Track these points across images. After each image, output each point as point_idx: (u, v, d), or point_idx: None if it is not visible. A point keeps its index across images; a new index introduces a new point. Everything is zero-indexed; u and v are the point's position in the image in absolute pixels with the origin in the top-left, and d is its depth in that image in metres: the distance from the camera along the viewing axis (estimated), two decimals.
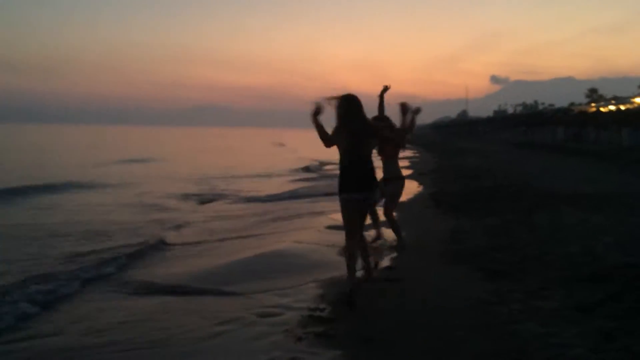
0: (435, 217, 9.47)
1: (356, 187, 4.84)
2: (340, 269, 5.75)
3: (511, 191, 11.74)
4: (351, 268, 4.83)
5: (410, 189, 14.26)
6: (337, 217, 8.13)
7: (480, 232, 7.63)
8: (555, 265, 5.50)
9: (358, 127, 4.86)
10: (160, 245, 7.90)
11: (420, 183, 15.68)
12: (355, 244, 4.98)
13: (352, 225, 4.93)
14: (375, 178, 5.03)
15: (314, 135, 4.95)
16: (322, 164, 27.29)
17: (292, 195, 14.88)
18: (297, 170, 24.91)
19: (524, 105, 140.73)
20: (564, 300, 4.42)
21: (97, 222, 10.09)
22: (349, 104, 4.87)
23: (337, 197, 5.00)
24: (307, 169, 25.82)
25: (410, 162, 26.21)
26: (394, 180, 6.73)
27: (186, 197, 14.55)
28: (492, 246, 6.61)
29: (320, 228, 8.89)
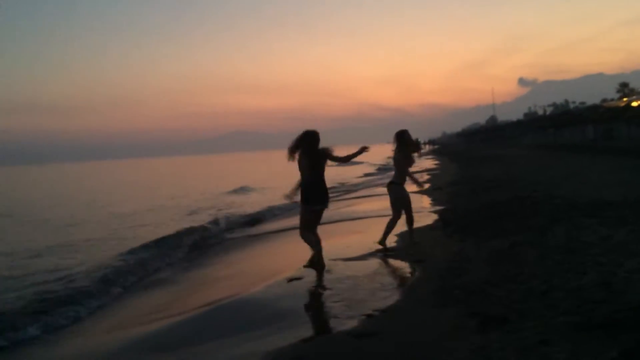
0: (438, 241, 8.48)
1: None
2: (302, 327, 4.84)
3: (528, 204, 10.63)
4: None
5: (422, 206, 13.27)
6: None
7: (484, 259, 6.62)
8: (563, 305, 4.46)
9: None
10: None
11: (434, 199, 14.65)
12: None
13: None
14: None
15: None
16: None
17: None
18: None
19: (555, 105, 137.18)
20: None
21: None
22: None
23: None
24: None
25: (429, 174, 25.09)
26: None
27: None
28: (493, 279, 5.60)
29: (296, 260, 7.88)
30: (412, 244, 8.15)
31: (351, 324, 4.86)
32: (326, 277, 6.73)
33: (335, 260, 7.72)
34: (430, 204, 13.74)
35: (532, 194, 11.90)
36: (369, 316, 5.07)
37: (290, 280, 6.67)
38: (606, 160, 21.62)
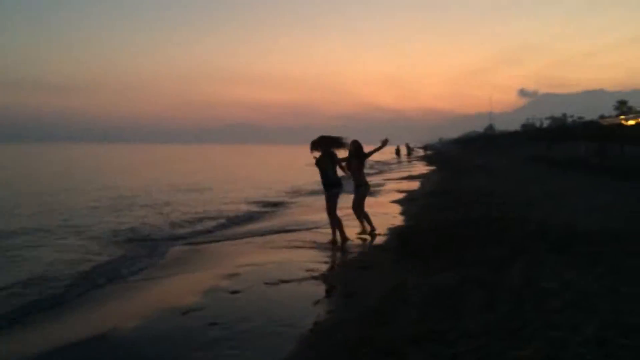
0: (383, 268, 7.35)
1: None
2: None
3: (498, 227, 9.47)
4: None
5: (387, 219, 12.14)
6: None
7: (422, 299, 5.46)
8: None
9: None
10: None
11: (403, 212, 13.50)
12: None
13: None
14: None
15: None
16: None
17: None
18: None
19: (552, 118, 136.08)
20: None
21: None
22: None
23: None
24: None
25: (410, 183, 23.94)
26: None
27: None
28: (420, 332, 4.44)
29: (207, 284, 6.70)
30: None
31: None
32: (231, 309, 5.58)
33: (253, 285, 6.58)
34: (395, 217, 12.59)
35: (507, 215, 10.76)
36: None
37: (186, 312, 5.50)
38: (593, 178, 20.51)
